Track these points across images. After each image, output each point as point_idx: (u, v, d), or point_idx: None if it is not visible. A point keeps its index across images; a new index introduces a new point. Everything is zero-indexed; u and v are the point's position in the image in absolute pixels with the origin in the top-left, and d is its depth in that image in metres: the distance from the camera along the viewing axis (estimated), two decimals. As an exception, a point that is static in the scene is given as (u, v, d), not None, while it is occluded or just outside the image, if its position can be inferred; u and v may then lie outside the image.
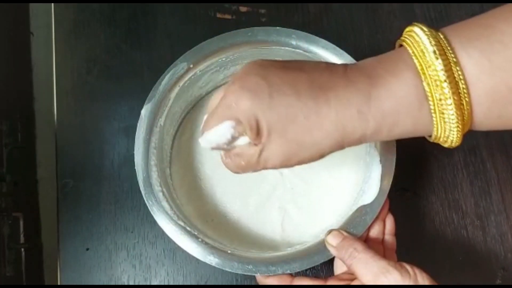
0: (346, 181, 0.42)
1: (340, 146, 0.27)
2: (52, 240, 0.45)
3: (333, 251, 0.34)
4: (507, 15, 0.24)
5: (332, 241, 0.34)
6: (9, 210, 0.43)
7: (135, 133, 0.39)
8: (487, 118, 0.25)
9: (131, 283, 0.43)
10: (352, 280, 0.33)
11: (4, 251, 0.41)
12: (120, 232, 0.44)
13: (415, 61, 0.25)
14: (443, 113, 0.25)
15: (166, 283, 0.43)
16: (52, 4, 0.49)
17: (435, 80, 0.24)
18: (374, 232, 0.37)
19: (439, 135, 0.26)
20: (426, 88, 0.25)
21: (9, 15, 0.47)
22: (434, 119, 0.25)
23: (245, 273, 0.35)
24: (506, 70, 0.23)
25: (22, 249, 0.43)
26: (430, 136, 0.28)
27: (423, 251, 0.44)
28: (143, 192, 0.37)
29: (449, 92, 0.24)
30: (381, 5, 0.50)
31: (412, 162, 0.46)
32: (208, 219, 0.42)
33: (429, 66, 0.24)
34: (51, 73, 0.48)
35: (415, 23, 0.26)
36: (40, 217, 0.47)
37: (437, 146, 0.46)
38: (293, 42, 0.39)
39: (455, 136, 0.26)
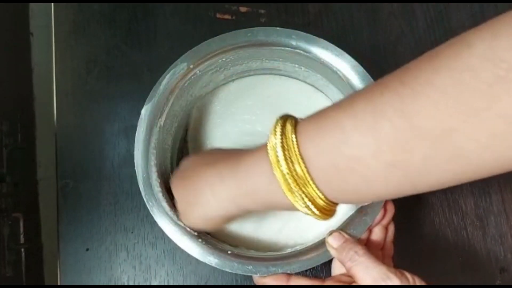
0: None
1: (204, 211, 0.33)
2: (52, 241, 0.45)
3: (333, 253, 0.34)
4: (357, 97, 0.25)
5: (333, 243, 0.34)
6: (9, 211, 0.43)
7: (135, 134, 0.39)
8: (333, 191, 0.27)
9: (131, 283, 0.43)
10: (351, 282, 0.33)
11: (4, 252, 0.41)
12: (120, 232, 0.44)
13: (268, 143, 0.28)
14: (286, 181, 0.26)
15: (166, 284, 0.43)
16: (52, 4, 0.49)
17: (275, 153, 0.27)
18: (376, 237, 0.37)
19: (294, 203, 0.27)
20: (270, 159, 0.27)
21: (9, 16, 0.47)
22: (279, 182, 0.27)
23: (245, 274, 0.35)
24: (331, 152, 0.25)
25: (22, 250, 0.43)
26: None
27: (423, 252, 0.44)
28: (143, 193, 0.37)
29: (284, 164, 0.26)
30: (381, 6, 0.50)
31: (412, 162, 0.46)
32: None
33: (274, 144, 0.27)
34: (51, 74, 0.48)
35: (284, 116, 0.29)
36: (40, 218, 0.47)
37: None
38: (293, 43, 0.39)
39: (306, 203, 0.27)
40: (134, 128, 0.39)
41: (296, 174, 0.26)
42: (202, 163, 0.34)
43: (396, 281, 0.30)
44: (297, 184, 0.26)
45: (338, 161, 0.25)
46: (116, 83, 0.47)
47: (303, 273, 0.36)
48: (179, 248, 0.36)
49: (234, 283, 0.43)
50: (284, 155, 0.26)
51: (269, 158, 0.27)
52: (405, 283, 0.30)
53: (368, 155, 0.23)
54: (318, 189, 0.26)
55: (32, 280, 0.44)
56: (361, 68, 0.38)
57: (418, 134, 0.22)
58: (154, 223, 0.37)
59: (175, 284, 0.43)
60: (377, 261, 0.31)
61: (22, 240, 0.43)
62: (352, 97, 0.25)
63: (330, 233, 0.35)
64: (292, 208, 0.28)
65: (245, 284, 0.43)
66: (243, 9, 0.49)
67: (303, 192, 0.26)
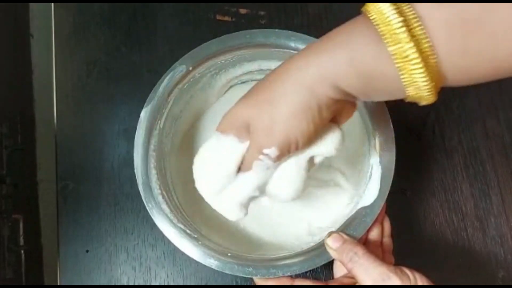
0: (346, 183, 0.42)
1: (310, 89, 0.27)
2: (52, 242, 0.45)
3: (333, 254, 0.34)
4: None
5: (332, 244, 0.34)
6: (9, 212, 0.43)
7: (135, 135, 0.39)
8: (451, 55, 0.24)
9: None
10: (354, 283, 0.33)
11: (4, 253, 0.41)
12: (120, 234, 0.44)
13: (369, 8, 0.25)
14: (398, 44, 0.24)
15: (166, 285, 0.43)
16: (52, 6, 0.49)
17: (384, 15, 0.24)
18: (374, 234, 0.37)
19: (402, 72, 0.25)
20: (376, 22, 0.25)
21: (9, 18, 0.47)
22: (390, 49, 0.24)
23: (245, 276, 0.35)
24: (456, 5, 0.23)
25: (22, 251, 0.43)
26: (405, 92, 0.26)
27: (423, 253, 0.44)
28: (142, 195, 0.37)
29: (398, 20, 0.24)
30: (381, 7, 0.49)
31: (412, 164, 0.46)
32: (209, 221, 0.42)
33: (379, 7, 0.25)
34: (51, 76, 0.48)
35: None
36: (40, 219, 0.47)
37: (437, 148, 0.46)
38: (292, 44, 0.39)
39: (421, 73, 0.24)
40: (134, 129, 0.39)
41: (413, 34, 0.23)
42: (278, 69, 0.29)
43: (396, 280, 0.30)
44: (414, 45, 0.23)
45: (463, 14, 0.23)
46: (116, 85, 0.47)
47: (303, 275, 0.36)
48: (179, 249, 0.36)
49: (234, 284, 0.43)
50: (398, 14, 0.23)
51: (377, 21, 0.24)
52: (405, 281, 0.30)
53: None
54: (436, 53, 0.23)
55: (32, 281, 0.44)
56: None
57: None
58: (154, 225, 0.37)
59: (175, 285, 0.43)
60: (377, 261, 0.31)
61: (22, 241, 0.43)
62: None
63: (329, 234, 0.35)
64: (398, 84, 0.25)
65: (246, 284, 0.43)
66: (242, 11, 0.49)
67: (415, 48, 0.23)
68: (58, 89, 0.48)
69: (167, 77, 0.39)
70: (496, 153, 0.46)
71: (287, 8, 0.49)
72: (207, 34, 0.41)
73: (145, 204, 0.37)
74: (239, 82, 0.45)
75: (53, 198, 0.45)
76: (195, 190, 0.43)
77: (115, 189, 0.45)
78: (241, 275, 0.35)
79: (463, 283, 0.44)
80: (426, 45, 0.24)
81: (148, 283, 0.43)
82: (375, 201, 0.36)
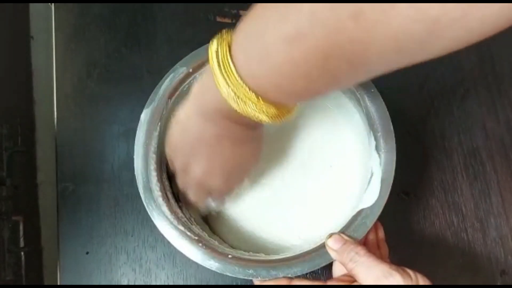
0: (346, 184, 0.42)
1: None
2: (52, 244, 0.45)
3: (334, 255, 0.34)
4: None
5: (333, 245, 0.34)
6: (9, 214, 0.43)
7: (135, 136, 0.39)
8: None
9: (131, 286, 0.43)
10: (352, 282, 0.33)
11: (4, 255, 0.41)
12: (120, 235, 0.44)
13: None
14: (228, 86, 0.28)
15: (166, 287, 0.43)
16: (53, 8, 0.49)
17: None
18: (371, 237, 0.37)
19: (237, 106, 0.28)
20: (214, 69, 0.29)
21: (9, 19, 0.47)
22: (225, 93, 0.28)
23: (246, 278, 0.35)
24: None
25: (22, 253, 0.43)
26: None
27: (423, 254, 0.44)
28: (142, 197, 0.37)
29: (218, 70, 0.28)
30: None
31: (412, 164, 0.46)
32: (208, 222, 0.42)
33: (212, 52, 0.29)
34: (51, 77, 0.48)
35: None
36: (40, 221, 0.47)
37: (437, 149, 0.47)
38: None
39: (251, 104, 0.28)
40: (134, 130, 0.39)
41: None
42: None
43: (398, 278, 0.30)
44: (242, 99, 0.27)
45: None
46: (116, 86, 0.47)
47: (304, 276, 0.36)
48: (179, 251, 0.36)
49: (235, 284, 0.43)
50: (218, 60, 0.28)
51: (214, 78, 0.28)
52: (407, 280, 0.30)
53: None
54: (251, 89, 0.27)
55: (32, 283, 0.44)
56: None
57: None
58: (154, 226, 0.37)
59: (175, 287, 0.43)
60: (378, 260, 0.31)
61: (22, 243, 0.43)
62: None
63: (330, 235, 0.35)
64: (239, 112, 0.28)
65: (246, 285, 0.43)
66: (243, 12, 0.49)
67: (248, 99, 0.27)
68: (58, 90, 0.48)
69: (168, 79, 0.39)
70: (496, 154, 0.46)
71: (287, 9, 0.49)
72: (207, 36, 0.41)
73: (145, 206, 0.37)
74: None
75: (53, 200, 0.45)
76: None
77: (115, 190, 0.45)
78: (242, 277, 0.35)
79: (463, 283, 0.44)
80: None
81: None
82: (375, 202, 0.36)
